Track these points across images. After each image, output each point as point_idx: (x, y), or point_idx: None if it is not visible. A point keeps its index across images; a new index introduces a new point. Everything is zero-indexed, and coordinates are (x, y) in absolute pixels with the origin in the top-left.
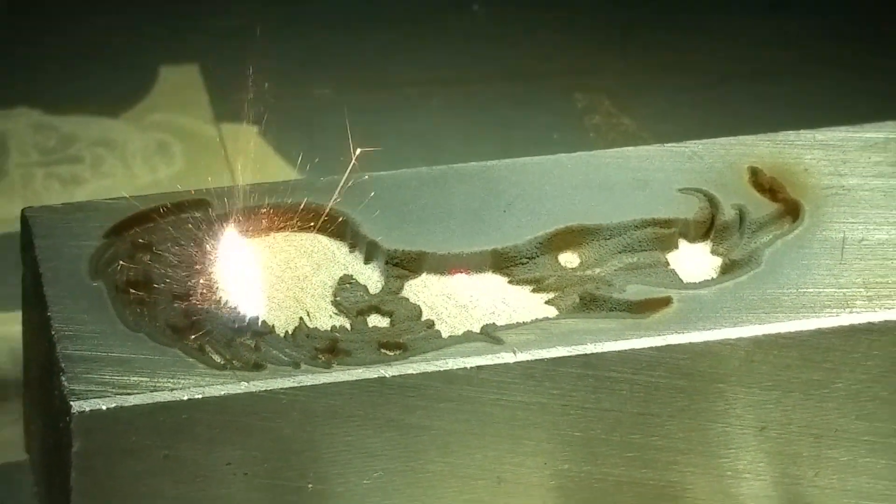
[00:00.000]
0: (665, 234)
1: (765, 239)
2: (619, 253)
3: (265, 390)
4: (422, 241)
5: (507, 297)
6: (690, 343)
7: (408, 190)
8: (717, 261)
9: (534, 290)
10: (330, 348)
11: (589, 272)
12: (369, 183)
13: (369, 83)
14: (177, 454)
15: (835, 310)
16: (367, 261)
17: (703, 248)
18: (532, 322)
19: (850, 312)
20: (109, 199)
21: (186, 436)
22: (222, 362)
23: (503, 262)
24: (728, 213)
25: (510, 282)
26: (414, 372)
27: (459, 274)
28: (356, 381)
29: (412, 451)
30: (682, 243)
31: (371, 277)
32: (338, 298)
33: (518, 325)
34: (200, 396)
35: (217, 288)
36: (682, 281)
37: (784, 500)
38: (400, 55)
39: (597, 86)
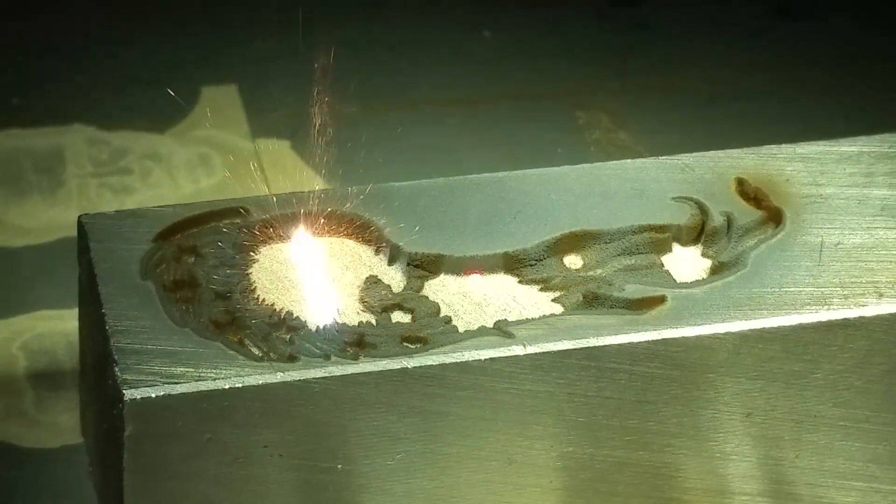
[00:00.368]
0: (660, 238)
1: (750, 243)
2: (619, 256)
3: (299, 380)
4: (440, 245)
5: (518, 295)
6: (683, 337)
7: (427, 198)
8: (707, 263)
9: (541, 289)
10: (357, 342)
11: (591, 273)
12: (392, 192)
13: (392, 102)
14: (219, 437)
15: (814, 307)
16: (390, 263)
17: (695, 251)
18: (540, 318)
19: (828, 310)
20: (157, 206)
21: (227, 421)
22: (260, 354)
23: (513, 264)
24: (717, 220)
25: (520, 282)
26: (433, 363)
27: (474, 274)
28: (381, 371)
29: (432, 435)
30: (676, 247)
31: (394, 278)
32: (364, 297)
33: (527, 320)
34: (240, 385)
35: (255, 287)
36: (675, 281)
37: (768, 479)
38: (419, 77)
39: (596, 104)
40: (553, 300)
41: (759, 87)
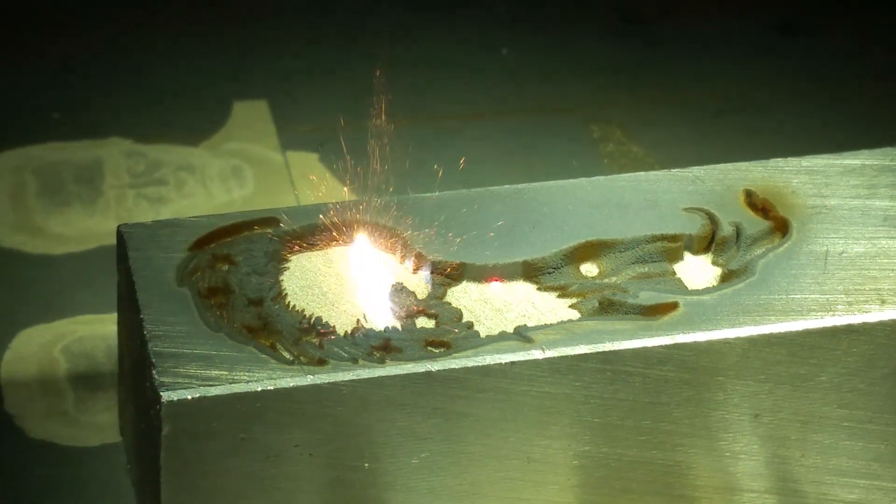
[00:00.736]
0: (672, 247)
1: (758, 252)
2: (633, 264)
3: (328, 382)
4: (462, 254)
5: (536, 301)
6: (694, 342)
7: (449, 209)
8: (717, 271)
9: (559, 296)
10: (384, 346)
11: (606, 280)
12: (416, 203)
13: (413, 116)
14: (251, 437)
15: (819, 313)
16: (415, 270)
17: (705, 259)
18: (558, 323)
19: (833, 316)
20: (192, 216)
21: (260, 421)
22: (291, 358)
23: (532, 272)
24: (726, 230)
25: (538, 289)
26: (456, 367)
27: (495, 282)
28: (406, 374)
29: (454, 435)
30: (687, 255)
31: (419, 285)
32: (390, 303)
33: (545, 326)
34: (272, 387)
35: (286, 294)
36: (687, 288)
37: (775, 477)
38: (440, 92)
39: (610, 118)
40: (570, 306)
41: (765, 102)
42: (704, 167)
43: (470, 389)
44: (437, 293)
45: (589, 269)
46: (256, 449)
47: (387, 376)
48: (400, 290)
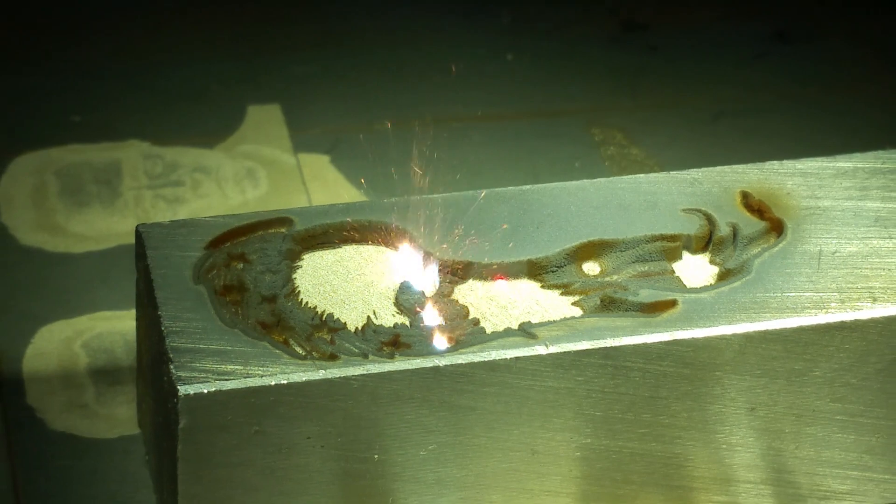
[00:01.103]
0: (671, 247)
1: (754, 251)
2: (633, 263)
3: (339, 377)
4: (468, 253)
5: (540, 299)
6: (692, 338)
7: (456, 210)
8: (715, 269)
9: (562, 294)
10: (393, 342)
11: (608, 279)
12: (424, 203)
13: (421, 119)
14: (265, 430)
15: (813, 311)
16: (423, 268)
17: (703, 258)
18: (561, 320)
19: (826, 313)
20: (207, 216)
21: (273, 414)
22: (303, 353)
23: (536, 270)
24: (723, 230)
25: (542, 287)
26: (463, 362)
27: (500, 280)
28: (415, 369)
29: (461, 428)
30: (686, 255)
31: (426, 283)
32: (399, 300)
33: (549, 322)
34: (285, 382)
35: (299, 291)
36: (685, 286)
37: (770, 469)
38: (446, 96)
39: (611, 122)
40: (573, 304)
41: (761, 106)
42: (702, 169)
43: (476, 384)
44: (445, 291)
45: (591, 267)
46: (270, 441)
47: (396, 371)
48: (408, 287)
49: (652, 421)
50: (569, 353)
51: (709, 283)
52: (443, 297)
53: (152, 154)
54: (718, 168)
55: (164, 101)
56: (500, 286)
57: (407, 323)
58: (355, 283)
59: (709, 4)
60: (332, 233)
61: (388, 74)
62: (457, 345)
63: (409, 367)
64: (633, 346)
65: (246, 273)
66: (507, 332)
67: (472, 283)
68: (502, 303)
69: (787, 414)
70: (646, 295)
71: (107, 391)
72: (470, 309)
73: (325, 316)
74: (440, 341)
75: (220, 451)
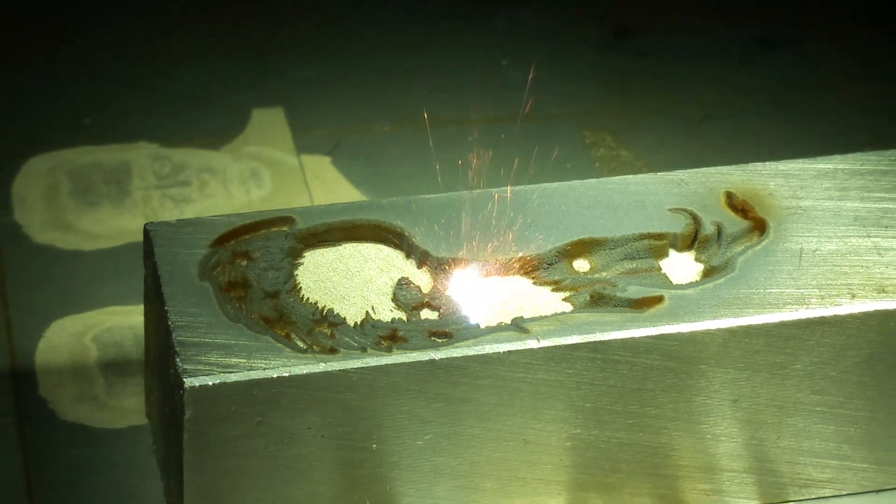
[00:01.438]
0: (658, 245)
1: (738, 249)
2: (621, 260)
3: (339, 370)
4: (464, 250)
5: (532, 295)
6: (678, 332)
7: (451, 209)
8: (700, 267)
9: (553, 290)
10: (390, 336)
11: (597, 275)
12: (422, 203)
13: (419, 121)
14: (267, 420)
15: (794, 306)
16: (419, 266)
17: (689, 256)
18: (552, 315)
19: (806, 308)
20: (213, 215)
21: (275, 406)
22: (304, 347)
23: (529, 267)
24: (708, 229)
25: (534, 283)
26: (458, 355)
27: (494, 276)
28: (412, 362)
29: (456, 419)
30: (672, 252)
31: (423, 279)
32: (396, 296)
33: (540, 317)
34: (287, 374)
35: (300, 287)
36: (671, 283)
37: (752, 458)
38: (444, 99)
39: (601, 125)
40: (563, 299)
41: (745, 110)
42: (688, 171)
43: (470, 376)
44: (440, 287)
45: (581, 265)
46: (272, 431)
47: (393, 364)
48: (406, 284)
49: (639, 412)
50: (559, 346)
51: (694, 280)
52: (438, 293)
53: (160, 155)
54: (704, 169)
55: (171, 105)
56: (494, 282)
57: (404, 318)
58: (354, 279)
59: (695, 13)
60: (333, 231)
61: (387, 79)
62: (451, 339)
63: (406, 360)
64: (622, 340)
65: (249, 270)
66: (500, 327)
67: (466, 280)
68: (496, 298)
69: (769, 405)
70: (633, 291)
71: (116, 383)
72: (464, 304)
73: (325, 311)
74: (436, 335)
75: (224, 441)
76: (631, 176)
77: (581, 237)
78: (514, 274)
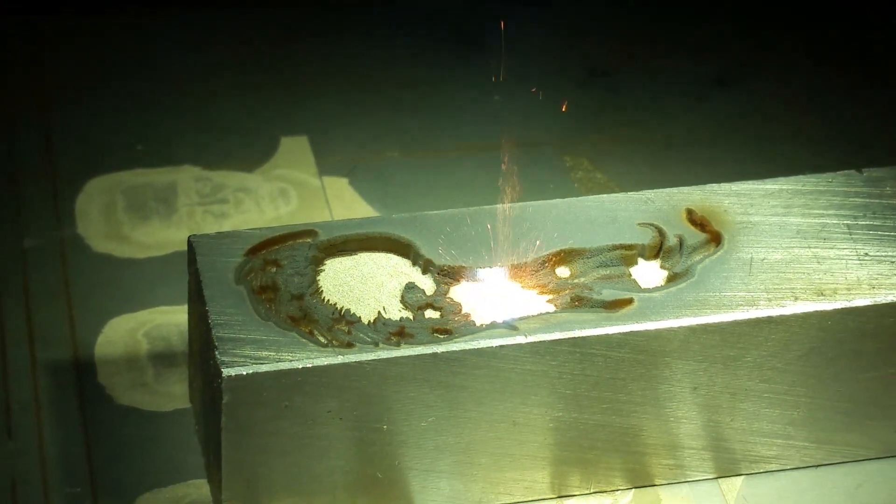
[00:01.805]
0: (629, 254)
1: (697, 258)
2: (597, 268)
3: (354, 361)
4: (462, 259)
5: (521, 297)
6: (646, 330)
7: (452, 224)
8: (665, 273)
9: (538, 293)
10: (399, 332)
11: (576, 281)
12: (426, 218)
13: (424, 148)
14: (293, 404)
15: (745, 307)
16: (424, 272)
17: (655, 264)
18: (537, 315)
19: (756, 309)
20: (247, 229)
21: (300, 392)
22: (325, 342)
23: (518, 274)
24: (672, 241)
25: (522, 287)
26: (456, 349)
27: (488, 281)
28: (417, 355)
29: (455, 403)
30: (641, 261)
31: (427, 284)
32: (404, 298)
33: (528, 317)
34: (310, 365)
35: (322, 291)
36: (640, 287)
37: (709, 437)
38: (446, 130)
39: (579, 152)
40: (547, 301)
41: (702, 139)
42: (654, 191)
43: (467, 367)
44: (442, 290)
45: (562, 271)
46: (297, 414)
47: (401, 357)
48: (412, 287)
49: (612, 398)
50: (544, 342)
51: (659, 285)
52: (440, 295)
53: (202, 177)
54: (667, 190)
55: (212, 134)
56: (488, 287)
57: (411, 317)
58: (368, 284)
59: (659, 56)
60: (350, 242)
61: (396, 113)
62: (451, 335)
63: (413, 353)
64: (597, 336)
65: (278, 276)
66: (493, 325)
67: (464, 284)
68: (489, 300)
69: (724, 392)
70: (608, 294)
71: (164, 372)
72: (462, 305)
73: (343, 311)
74: (438, 332)
75: (256, 423)
76: (605, 195)
77: (562, 248)
78: (505, 279)
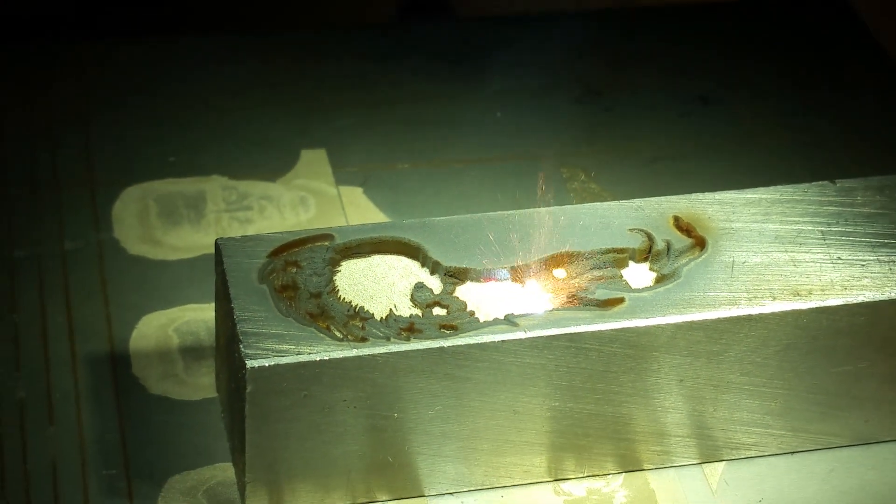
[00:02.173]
0: (621, 257)
1: (683, 261)
2: (591, 269)
3: (368, 354)
4: (466, 261)
5: (521, 296)
6: (636, 326)
7: (457, 229)
8: (653, 275)
9: (538, 293)
10: (409, 328)
11: (573, 281)
12: (434, 224)
13: (431, 161)
14: (311, 394)
15: (727, 306)
16: (432, 273)
17: (644, 266)
18: (536, 312)
19: (737, 308)
20: (270, 233)
21: (317, 382)
22: (341, 336)
23: (519, 275)
24: (660, 245)
25: (522, 287)
26: (462, 343)
27: (491, 281)
28: (426, 349)
29: (460, 393)
30: (631, 264)
31: (435, 284)
32: (414, 296)
33: (528, 314)
34: (327, 358)
35: (338, 289)
36: (631, 287)
37: (694, 426)
38: (451, 143)
39: (575, 164)
40: (546, 300)
41: (687, 152)
42: (644, 199)
43: (471, 360)
44: (448, 290)
45: (559, 272)
46: (315, 403)
47: (411, 350)
48: (421, 287)
49: (605, 389)
50: (542, 337)
51: (649, 285)
52: (447, 294)
53: (229, 186)
54: (656, 198)
55: (238, 146)
56: (491, 286)
57: (420, 314)
58: (381, 283)
59: (648, 76)
60: (364, 245)
61: (407, 127)
62: (457, 331)
63: (421, 347)
64: (591, 332)
65: (298, 276)
66: (496, 321)
67: (469, 284)
68: (492, 299)
69: (707, 384)
70: (601, 294)
71: (192, 364)
72: (467, 303)
73: (357, 308)
74: (445, 328)
75: (277, 411)
76: (599, 203)
77: (560, 251)
78: (507, 280)
